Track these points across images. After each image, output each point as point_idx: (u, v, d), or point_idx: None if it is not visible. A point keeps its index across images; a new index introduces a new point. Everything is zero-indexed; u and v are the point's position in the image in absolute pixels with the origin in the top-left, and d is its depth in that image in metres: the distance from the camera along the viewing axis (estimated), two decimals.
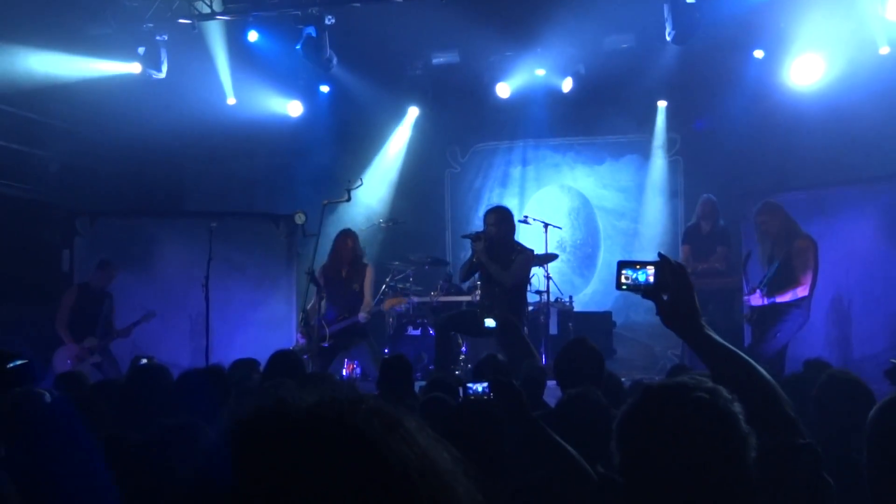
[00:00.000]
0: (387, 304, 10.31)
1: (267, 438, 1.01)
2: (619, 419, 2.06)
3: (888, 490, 2.66)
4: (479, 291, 10.16)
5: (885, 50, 10.34)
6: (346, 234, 10.14)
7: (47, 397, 5.11)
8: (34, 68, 10.40)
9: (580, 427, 2.26)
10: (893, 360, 5.17)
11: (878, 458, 2.71)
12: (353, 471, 0.98)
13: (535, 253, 10.62)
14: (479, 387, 3.56)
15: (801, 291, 8.54)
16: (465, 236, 9.43)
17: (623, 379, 6.54)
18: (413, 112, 13.47)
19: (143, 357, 7.46)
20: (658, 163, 13.05)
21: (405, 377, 6.13)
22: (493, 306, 8.92)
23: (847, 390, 4.17)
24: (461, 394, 3.90)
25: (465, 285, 10.60)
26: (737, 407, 1.98)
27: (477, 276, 9.33)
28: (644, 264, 2.42)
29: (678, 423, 1.95)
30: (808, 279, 8.54)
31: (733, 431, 1.95)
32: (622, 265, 2.43)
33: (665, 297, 2.36)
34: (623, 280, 2.42)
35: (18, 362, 3.36)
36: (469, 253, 9.12)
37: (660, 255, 2.43)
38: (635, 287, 2.41)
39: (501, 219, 8.94)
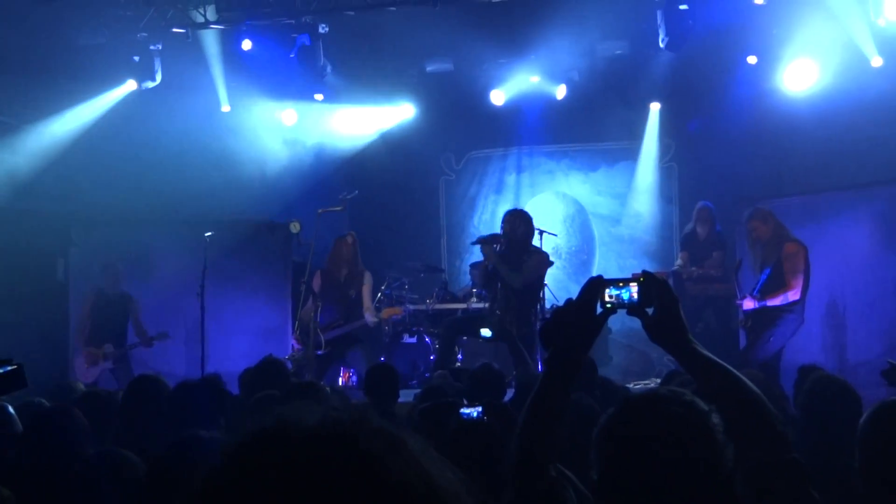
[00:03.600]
0: (385, 314, 10.31)
1: (268, 460, 1.00)
2: (596, 431, 2.07)
3: (883, 492, 2.67)
4: (474, 299, 10.18)
5: (877, 61, 10.35)
6: (346, 235, 10.17)
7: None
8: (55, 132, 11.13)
9: (571, 434, 2.26)
10: (891, 361, 5.15)
11: (872, 461, 2.71)
12: (356, 492, 0.98)
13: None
14: (474, 412, 3.55)
15: (793, 295, 8.56)
16: (475, 242, 9.43)
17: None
18: (407, 109, 13.39)
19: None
20: (650, 164, 13.04)
21: (390, 384, 6.33)
22: (502, 312, 8.95)
23: (833, 394, 4.17)
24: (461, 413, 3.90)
25: (476, 291, 10.63)
26: (714, 419, 1.99)
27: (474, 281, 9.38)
28: (627, 281, 2.40)
29: (653, 435, 1.96)
30: (799, 283, 8.56)
31: (709, 444, 1.96)
32: (605, 284, 2.41)
33: (650, 313, 2.36)
34: (607, 299, 2.39)
35: (8, 368, 3.33)
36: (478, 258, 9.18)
37: (644, 271, 2.43)
38: (620, 305, 2.39)
39: (522, 221, 9.05)
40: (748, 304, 8.77)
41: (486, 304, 9.42)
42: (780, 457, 2.10)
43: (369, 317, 9.83)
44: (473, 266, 11.27)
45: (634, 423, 2.01)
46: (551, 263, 9.57)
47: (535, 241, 10.28)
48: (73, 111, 11.31)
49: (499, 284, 9.09)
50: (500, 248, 9.08)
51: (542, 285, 9.50)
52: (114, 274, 10.54)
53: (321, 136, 13.26)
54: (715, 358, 2.28)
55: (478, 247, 9.14)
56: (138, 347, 10.39)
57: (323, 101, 12.93)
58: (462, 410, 3.57)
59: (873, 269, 10.11)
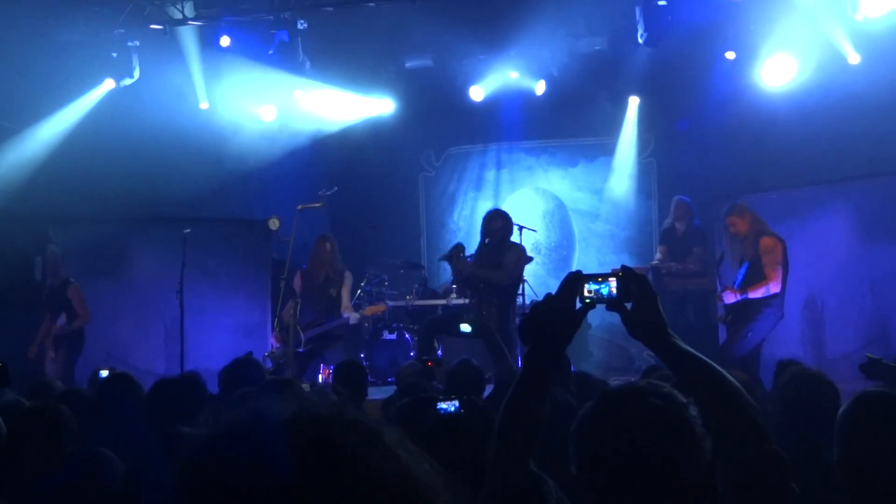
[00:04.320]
0: (368, 311, 10.28)
1: (243, 453, 0.99)
2: (575, 425, 2.07)
3: (862, 485, 2.68)
4: (454, 295, 10.16)
5: (854, 57, 10.40)
6: (325, 238, 10.14)
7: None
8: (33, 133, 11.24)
9: (549, 429, 2.26)
10: (869, 355, 5.17)
11: (850, 453, 2.72)
12: (332, 485, 0.97)
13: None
14: (451, 407, 3.54)
15: (773, 287, 8.59)
16: (442, 258, 9.47)
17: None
18: (387, 105, 13.33)
19: (104, 368, 7.21)
20: (629, 160, 13.05)
21: (359, 381, 6.56)
22: (481, 307, 8.95)
23: (811, 388, 4.18)
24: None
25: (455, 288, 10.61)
26: (692, 411, 2.00)
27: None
28: (606, 276, 2.40)
29: (631, 427, 1.96)
30: (779, 275, 8.60)
31: (687, 436, 1.97)
32: (584, 279, 2.40)
33: (630, 308, 2.36)
34: (586, 294, 2.39)
35: None
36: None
37: (623, 266, 2.43)
38: (599, 300, 2.39)
39: (498, 217, 9.14)
40: (729, 297, 8.80)
41: (466, 301, 9.41)
42: (759, 449, 2.10)
43: (350, 315, 9.82)
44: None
45: (613, 416, 2.01)
46: (530, 259, 9.58)
47: (515, 237, 10.32)
48: (53, 116, 11.28)
49: (481, 284, 9.10)
50: (479, 247, 9.11)
51: (521, 281, 9.51)
52: (52, 263, 10.43)
53: (300, 132, 13.20)
54: (694, 352, 2.28)
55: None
56: (109, 347, 10.33)
57: (301, 98, 12.89)
58: (439, 405, 3.56)
59: (851, 263, 10.17)
